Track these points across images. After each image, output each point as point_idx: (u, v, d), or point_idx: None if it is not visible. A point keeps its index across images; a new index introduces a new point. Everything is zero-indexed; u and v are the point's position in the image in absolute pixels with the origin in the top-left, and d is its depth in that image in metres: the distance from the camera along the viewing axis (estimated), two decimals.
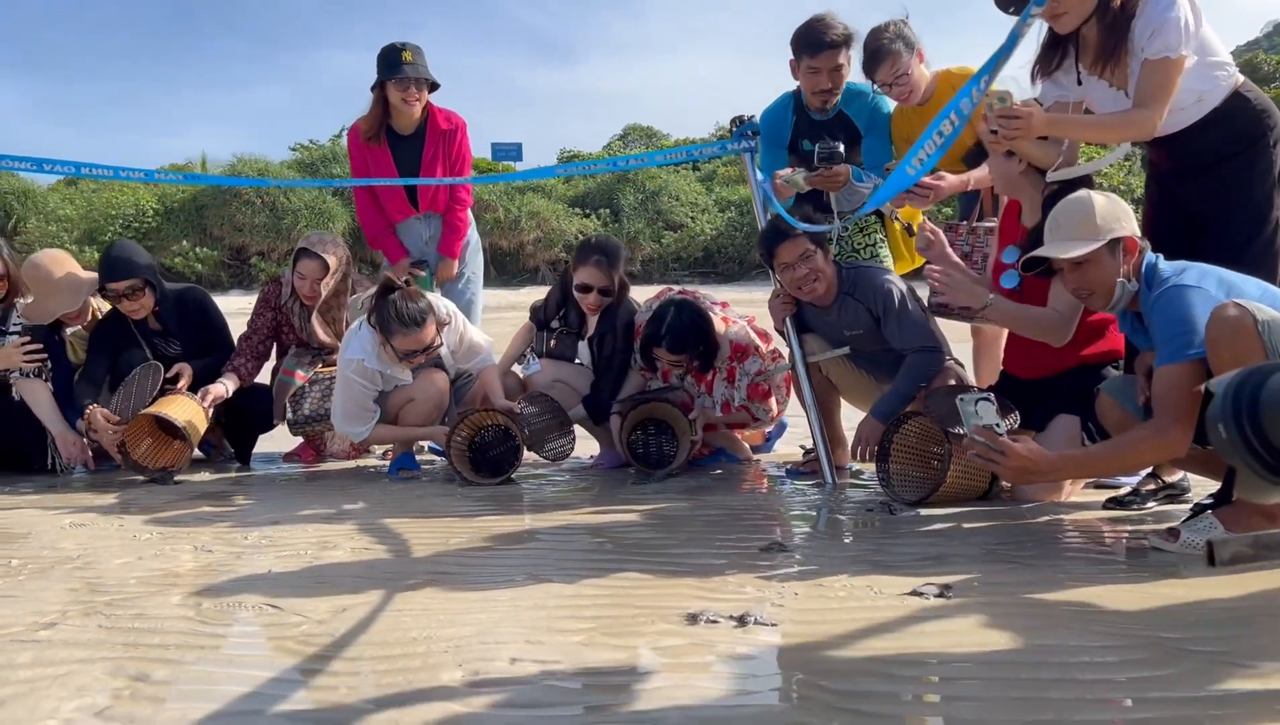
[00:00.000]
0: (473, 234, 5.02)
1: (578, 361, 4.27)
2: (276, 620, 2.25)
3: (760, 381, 4.06)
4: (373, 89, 4.64)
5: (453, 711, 1.70)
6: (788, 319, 3.86)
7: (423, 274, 4.68)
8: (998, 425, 2.68)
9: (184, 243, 24.59)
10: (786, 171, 3.90)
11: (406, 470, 4.23)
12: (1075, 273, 2.81)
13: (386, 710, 1.72)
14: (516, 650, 1.99)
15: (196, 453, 4.30)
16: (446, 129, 4.74)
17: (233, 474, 4.36)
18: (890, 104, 4.08)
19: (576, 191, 28.04)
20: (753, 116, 3.95)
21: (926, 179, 3.43)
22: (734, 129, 3.96)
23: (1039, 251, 2.82)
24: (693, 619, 2.15)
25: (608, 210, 27.23)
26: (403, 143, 4.72)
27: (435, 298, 4.12)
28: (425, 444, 4.57)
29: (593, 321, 4.22)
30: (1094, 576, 2.41)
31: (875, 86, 3.93)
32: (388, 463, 4.39)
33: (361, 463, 4.64)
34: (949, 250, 3.42)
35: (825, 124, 4.13)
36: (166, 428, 4.19)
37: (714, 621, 2.13)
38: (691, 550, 2.78)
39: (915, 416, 3.42)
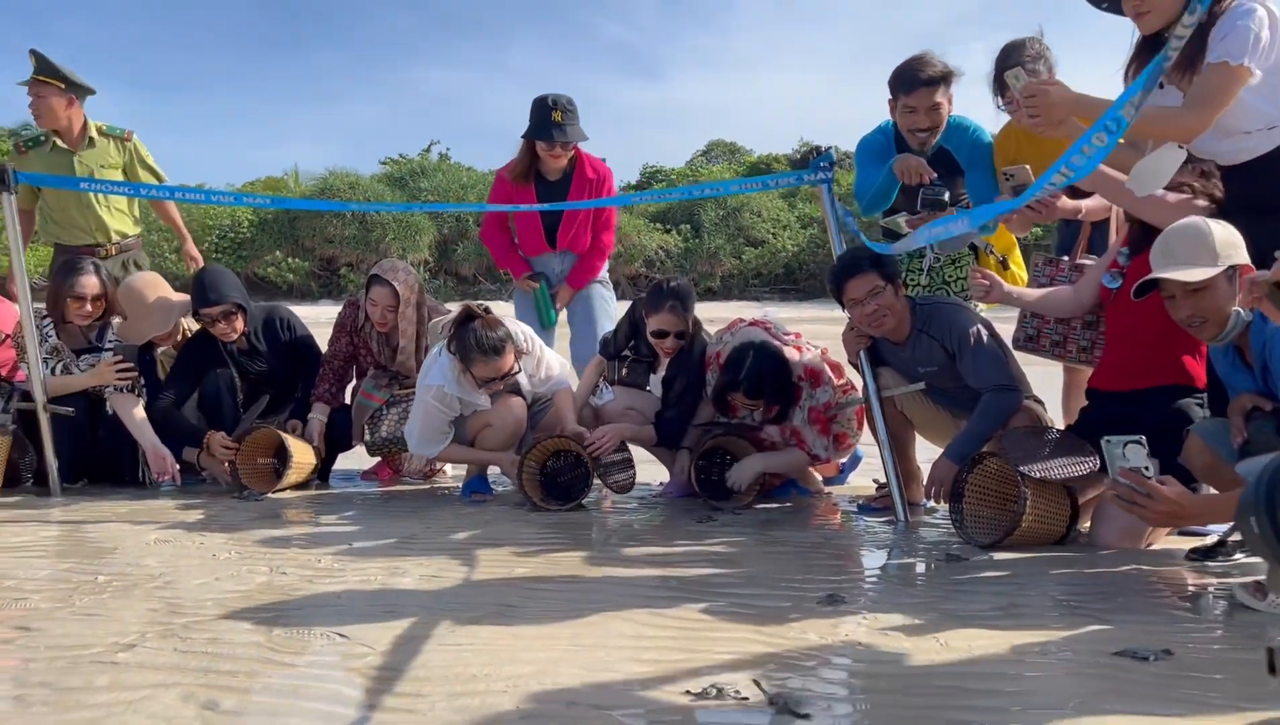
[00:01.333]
0: (604, 279, 5.15)
1: (649, 389, 4.29)
2: (344, 650, 2.29)
3: (828, 413, 4.01)
4: (523, 137, 4.75)
5: None
6: (862, 352, 3.81)
7: (536, 285, 4.83)
8: (1146, 468, 2.60)
9: (276, 253, 25.33)
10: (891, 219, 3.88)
11: (479, 493, 4.29)
12: (1190, 300, 2.71)
13: None
14: (574, 694, 2.00)
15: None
16: (592, 178, 4.83)
17: (313, 491, 4.47)
18: (989, 135, 4.01)
19: (657, 207, 28.14)
20: (830, 148, 3.92)
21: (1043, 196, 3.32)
22: (810, 160, 3.93)
23: (1154, 275, 2.74)
24: (752, 665, 2.14)
25: (688, 226, 27.26)
26: (548, 186, 4.81)
27: (514, 325, 4.18)
28: None
29: (665, 360, 4.23)
30: (1175, 636, 2.32)
31: (1002, 104, 3.85)
32: (461, 483, 4.45)
33: (435, 483, 4.72)
34: (1007, 289, 3.39)
35: (925, 159, 4.08)
36: (279, 453, 4.39)
37: (774, 672, 2.11)
38: (756, 591, 2.76)
39: (991, 457, 3.35)
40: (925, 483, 3.66)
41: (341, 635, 2.39)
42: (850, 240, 3.88)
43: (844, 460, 4.48)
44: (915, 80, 3.85)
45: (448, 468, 5.01)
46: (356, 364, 4.73)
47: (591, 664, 2.18)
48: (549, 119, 4.60)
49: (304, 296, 24.29)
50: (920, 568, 3.12)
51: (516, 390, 4.26)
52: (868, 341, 3.81)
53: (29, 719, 1.93)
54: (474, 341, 3.90)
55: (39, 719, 1.92)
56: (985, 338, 3.59)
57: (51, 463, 4.29)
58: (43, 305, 4.54)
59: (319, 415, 4.50)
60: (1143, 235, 3.19)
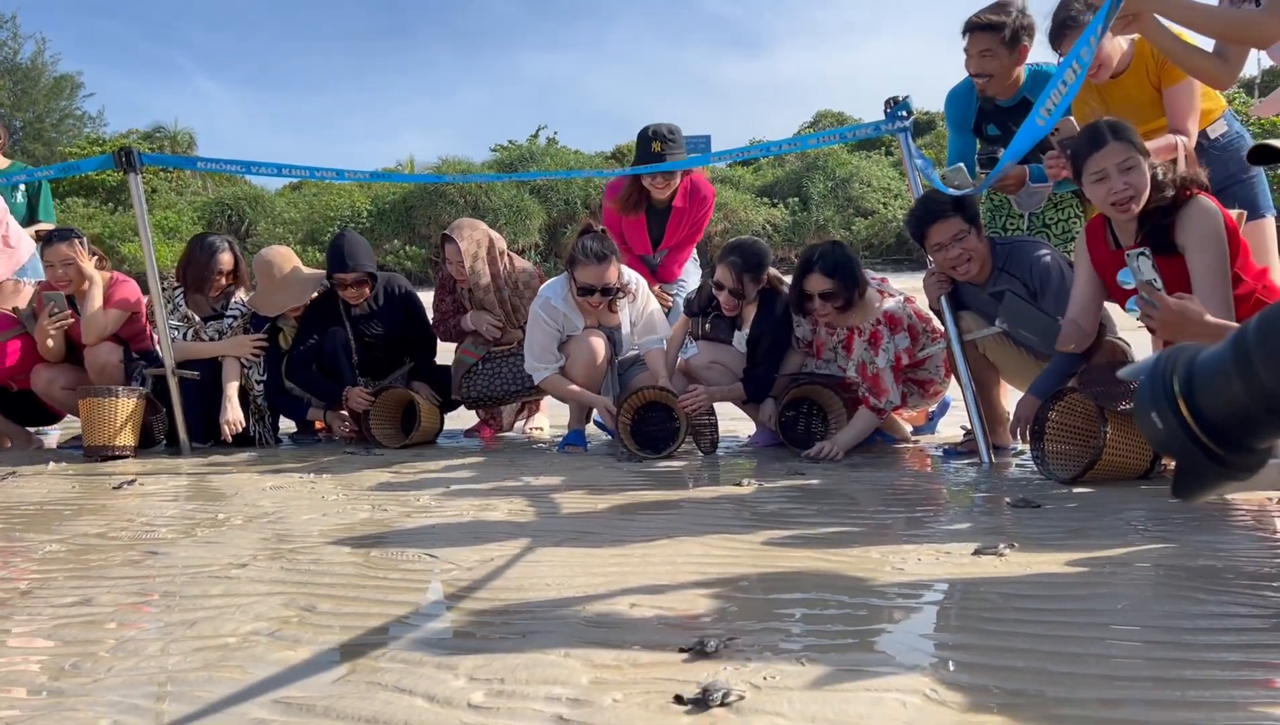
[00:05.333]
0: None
1: (732, 344, 4.37)
2: (431, 567, 2.48)
3: (912, 358, 4.01)
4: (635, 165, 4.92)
5: (567, 640, 1.85)
6: (943, 297, 3.82)
7: (668, 303, 5.00)
8: (1154, 280, 2.74)
9: (395, 241, 26.18)
10: (954, 171, 3.88)
11: (574, 447, 4.45)
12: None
13: (509, 639, 1.89)
14: (638, 599, 2.13)
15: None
16: (696, 200, 4.98)
17: (416, 447, 4.71)
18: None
19: (764, 181, 27.97)
20: (907, 97, 3.92)
21: None
22: (888, 110, 3.95)
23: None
24: (817, 584, 2.22)
25: (796, 198, 27.02)
26: (655, 216, 4.98)
27: (630, 272, 4.43)
28: (593, 420, 4.78)
29: (749, 317, 4.30)
30: (1248, 553, 2.31)
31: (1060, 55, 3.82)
32: (558, 441, 4.63)
33: (532, 439, 4.91)
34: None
35: (1009, 109, 4.06)
36: (407, 412, 4.75)
37: (838, 591, 2.19)
38: (830, 521, 2.84)
39: (1071, 393, 3.33)
40: (1010, 422, 3.66)
41: (431, 556, 2.58)
42: (929, 189, 3.89)
43: (932, 408, 4.49)
44: (968, 24, 3.87)
45: (544, 423, 5.22)
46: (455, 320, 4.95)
47: (658, 576, 2.30)
48: (649, 151, 4.75)
49: (421, 282, 25.03)
50: (996, 501, 3.13)
51: (616, 335, 4.43)
52: (949, 286, 3.81)
53: (152, 617, 2.17)
54: (583, 246, 4.21)
55: (160, 617, 2.15)
56: (1065, 275, 3.56)
57: (181, 423, 4.64)
58: (170, 277, 4.92)
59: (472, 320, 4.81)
60: (1154, 231, 3.11)
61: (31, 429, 5.23)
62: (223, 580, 2.41)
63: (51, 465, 4.37)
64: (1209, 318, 2.68)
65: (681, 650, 1.80)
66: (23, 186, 5.69)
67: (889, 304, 4.06)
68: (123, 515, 3.26)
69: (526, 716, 1.54)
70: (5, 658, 1.92)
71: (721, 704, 1.55)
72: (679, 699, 1.56)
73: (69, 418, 5.18)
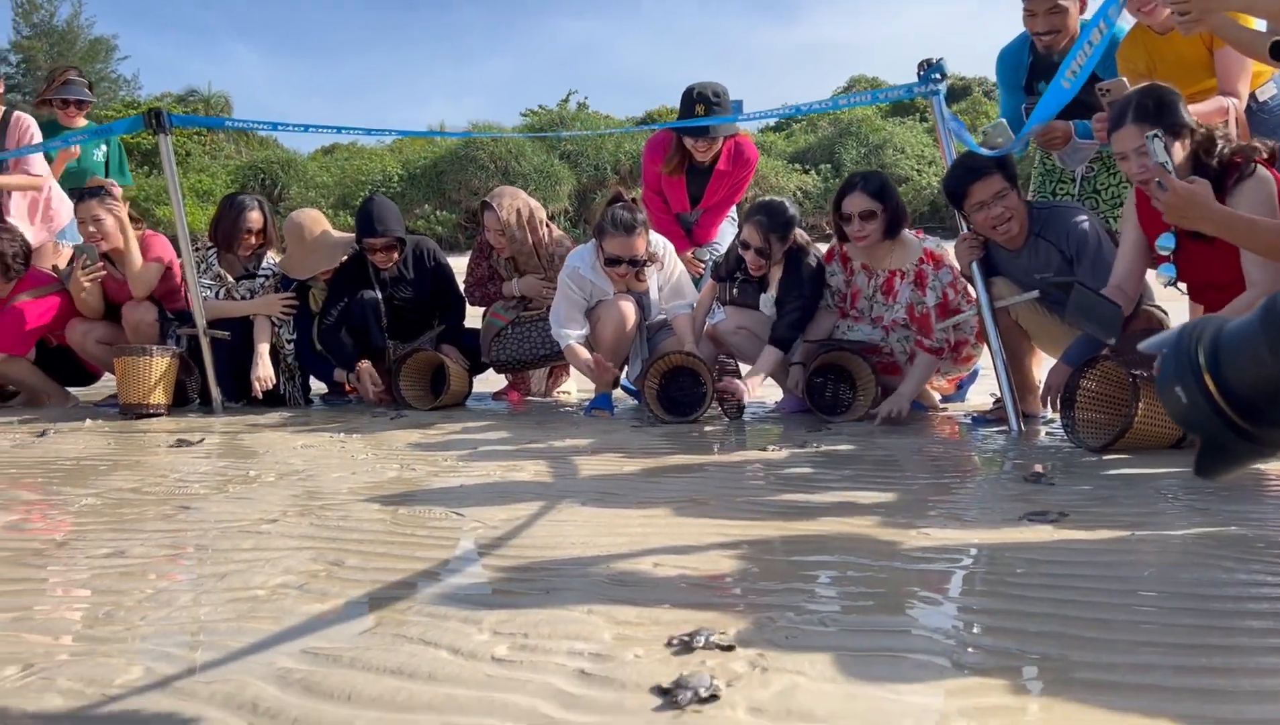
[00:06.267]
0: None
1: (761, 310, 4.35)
2: (457, 525, 2.50)
3: (951, 304, 3.97)
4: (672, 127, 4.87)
5: (590, 597, 1.86)
6: (974, 263, 3.78)
7: (702, 268, 4.95)
8: (1165, 163, 2.71)
9: (425, 206, 26.22)
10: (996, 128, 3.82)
11: (600, 410, 4.46)
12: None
13: (533, 595, 1.91)
14: (661, 558, 2.14)
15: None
16: (740, 162, 4.92)
17: (444, 409, 4.74)
18: (1123, 31, 3.87)
19: (796, 147, 27.73)
20: (941, 60, 3.86)
21: None
22: (921, 73, 3.89)
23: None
24: (840, 548, 2.22)
25: (828, 165, 26.76)
26: (696, 173, 4.91)
27: (657, 237, 4.41)
28: (620, 385, 4.79)
29: (775, 279, 4.27)
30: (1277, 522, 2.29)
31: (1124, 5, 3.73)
32: (585, 405, 4.64)
33: (561, 400, 4.93)
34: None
35: (1054, 65, 3.98)
36: (437, 375, 4.78)
37: (861, 556, 2.19)
38: (856, 487, 2.84)
39: (1103, 360, 3.29)
40: (1041, 390, 3.62)
41: (458, 514, 2.60)
42: (961, 150, 3.83)
43: (963, 375, 4.45)
44: None
45: (572, 388, 5.23)
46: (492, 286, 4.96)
47: (682, 537, 2.31)
48: (692, 113, 4.69)
49: (452, 248, 25.06)
50: (1025, 468, 3.11)
51: (644, 300, 4.42)
52: (981, 251, 3.77)
53: (182, 569, 2.21)
54: (612, 217, 4.20)
55: (191, 569, 2.19)
56: (1104, 242, 3.51)
57: (213, 383, 4.70)
58: (202, 236, 4.97)
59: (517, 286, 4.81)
60: None
61: (72, 390, 5.31)
62: (253, 535, 2.45)
63: (88, 422, 4.44)
64: (1217, 205, 2.66)
65: (704, 609, 1.81)
66: (103, 146, 5.74)
67: (928, 241, 4.04)
68: (156, 471, 3.31)
69: (549, 670, 1.56)
70: (41, 606, 1.97)
71: (744, 662, 1.55)
72: (685, 644, 1.59)
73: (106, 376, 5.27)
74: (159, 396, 4.58)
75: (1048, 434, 3.64)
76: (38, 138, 5.48)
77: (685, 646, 1.60)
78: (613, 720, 1.39)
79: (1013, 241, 3.67)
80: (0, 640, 1.77)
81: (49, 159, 5.55)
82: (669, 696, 1.43)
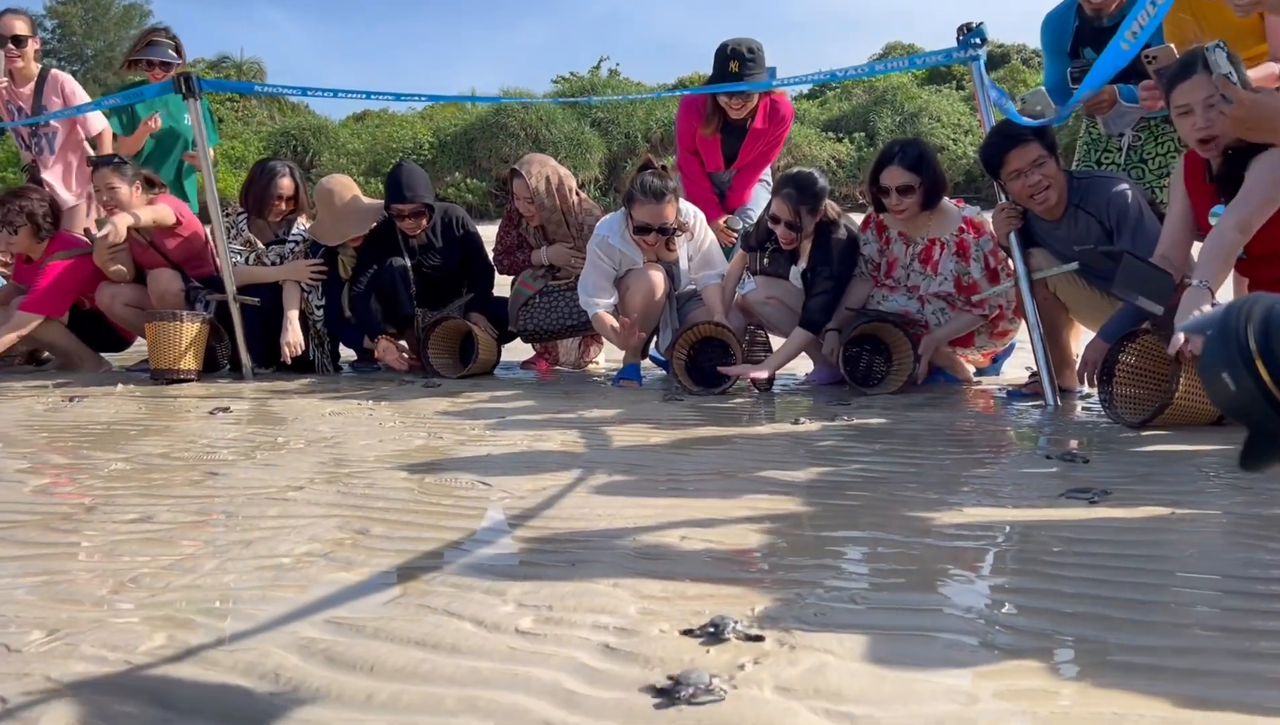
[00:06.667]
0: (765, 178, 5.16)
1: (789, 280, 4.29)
2: (485, 495, 2.49)
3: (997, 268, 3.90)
4: (709, 82, 4.78)
5: (616, 570, 1.84)
6: (1012, 234, 3.69)
7: (734, 236, 4.85)
8: (1230, 74, 2.60)
9: (456, 174, 26.19)
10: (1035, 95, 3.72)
11: (629, 381, 4.43)
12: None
13: (559, 567, 1.89)
14: (688, 531, 2.11)
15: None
16: (776, 120, 4.83)
17: (473, 378, 4.73)
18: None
19: (830, 115, 27.38)
20: (980, 24, 3.75)
21: None
22: (961, 37, 3.79)
23: None
24: (870, 522, 2.19)
25: (862, 134, 26.41)
26: (730, 131, 4.83)
27: (687, 205, 4.36)
28: (649, 356, 4.75)
29: (806, 251, 4.20)
30: None
31: None
32: (612, 375, 4.61)
33: (588, 373, 4.91)
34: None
35: (1110, 29, 3.87)
36: (465, 343, 4.76)
37: (891, 530, 2.15)
38: (886, 460, 2.79)
39: (1143, 334, 3.21)
40: (1078, 365, 3.55)
41: (484, 483, 2.59)
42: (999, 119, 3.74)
43: (999, 350, 4.38)
44: None
45: (600, 358, 5.20)
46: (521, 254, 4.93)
47: (710, 510, 2.28)
48: (726, 69, 4.60)
49: (482, 216, 25.05)
50: (1057, 441, 3.05)
51: (674, 269, 4.38)
52: (1019, 221, 3.68)
53: (210, 534, 2.21)
54: (641, 184, 4.15)
55: (218, 536, 2.19)
56: (1145, 212, 3.42)
57: (244, 349, 4.71)
58: (233, 202, 4.96)
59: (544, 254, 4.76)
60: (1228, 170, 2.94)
61: (104, 355, 5.35)
62: (280, 502, 2.45)
63: (120, 387, 4.47)
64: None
65: (731, 583, 1.78)
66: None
67: (968, 210, 3.96)
68: (186, 437, 3.32)
69: (573, 644, 1.54)
70: (67, 571, 1.97)
71: (772, 639, 1.52)
72: (714, 632, 1.55)
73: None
74: (189, 362, 4.60)
75: (1084, 409, 3.57)
76: (81, 96, 5.49)
77: (715, 635, 1.56)
78: (635, 698, 1.36)
79: (1051, 212, 3.58)
80: (26, 605, 1.77)
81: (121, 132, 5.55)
82: (695, 672, 1.41)
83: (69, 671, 1.48)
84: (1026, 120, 3.54)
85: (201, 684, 1.43)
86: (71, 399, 4.13)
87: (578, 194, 4.77)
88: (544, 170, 4.64)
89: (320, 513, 2.34)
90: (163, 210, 4.77)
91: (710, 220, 4.61)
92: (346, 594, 1.80)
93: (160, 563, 1.99)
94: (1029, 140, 3.50)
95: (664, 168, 4.32)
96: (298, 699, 1.38)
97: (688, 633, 1.55)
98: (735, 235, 4.79)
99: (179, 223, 4.87)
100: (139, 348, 5.31)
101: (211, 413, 3.78)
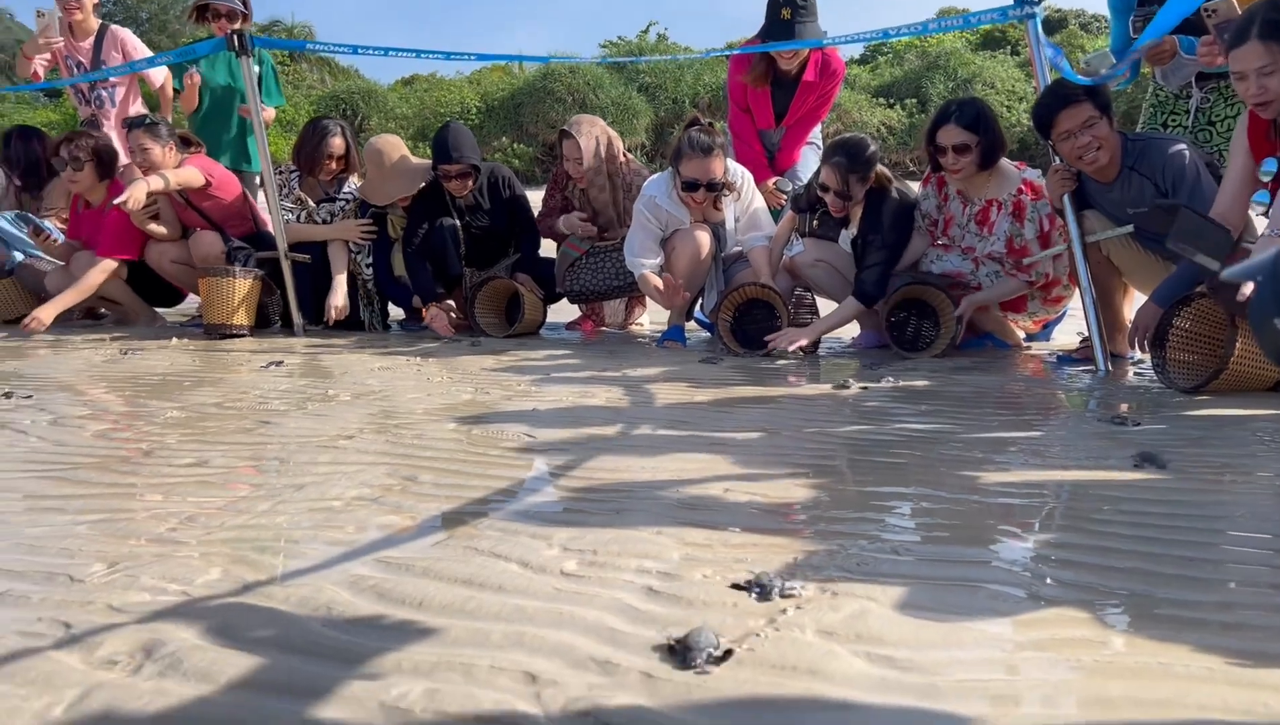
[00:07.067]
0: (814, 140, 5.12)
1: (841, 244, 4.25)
2: (527, 446, 2.51)
3: (1049, 233, 3.85)
4: (758, 34, 4.73)
5: (659, 519, 1.86)
6: (1065, 196, 3.63)
7: (783, 199, 4.83)
8: None
9: (503, 139, 26.22)
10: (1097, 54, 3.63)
11: (673, 342, 4.43)
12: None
13: (603, 515, 1.91)
14: (730, 484, 2.12)
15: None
16: (827, 74, 4.79)
17: (519, 337, 4.77)
18: None
19: (881, 81, 26.98)
20: None
21: None
22: None
23: None
24: (911, 478, 2.18)
25: (914, 100, 26.00)
26: (781, 86, 4.80)
27: (736, 166, 4.34)
28: (694, 317, 4.75)
29: (856, 217, 4.15)
30: None
31: None
32: (657, 336, 4.62)
33: (635, 331, 4.92)
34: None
35: None
36: (512, 303, 4.80)
37: (930, 487, 2.15)
38: (930, 421, 2.78)
39: (1200, 298, 3.15)
40: (1130, 330, 3.49)
41: (529, 436, 2.61)
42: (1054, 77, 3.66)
43: (1052, 316, 4.31)
44: None
45: (644, 320, 5.21)
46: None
47: (753, 465, 2.29)
48: (778, 16, 4.54)
49: (528, 181, 25.10)
50: (1106, 406, 3.01)
51: (720, 231, 4.36)
52: (1073, 184, 3.61)
53: (263, 478, 2.26)
54: (689, 138, 4.15)
55: (271, 480, 2.24)
56: (1202, 174, 3.34)
57: (294, 305, 4.78)
58: (285, 161, 5.02)
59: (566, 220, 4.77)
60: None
61: (158, 310, 5.46)
62: (330, 450, 2.49)
63: (174, 340, 4.56)
64: None
65: (773, 534, 1.79)
66: (256, 67, 5.75)
67: (1029, 172, 3.90)
68: (238, 388, 3.39)
69: (617, 586, 1.56)
70: (127, 509, 2.03)
71: (814, 587, 1.53)
72: (757, 589, 1.53)
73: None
74: (242, 317, 4.68)
75: (1136, 374, 3.51)
76: (142, 51, 5.57)
77: (754, 571, 1.58)
78: (679, 636, 1.38)
79: (1103, 173, 3.51)
80: (88, 540, 1.83)
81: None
82: (737, 613, 1.42)
83: (130, 601, 1.53)
84: (1081, 79, 3.47)
85: (256, 615, 1.47)
86: (127, 352, 4.23)
87: (625, 156, 4.75)
88: (593, 130, 4.63)
89: (370, 460, 2.39)
90: (190, 172, 4.79)
91: (758, 182, 4.58)
92: (395, 535, 1.84)
93: (215, 504, 2.04)
94: (1081, 100, 3.42)
95: (710, 125, 4.29)
96: (349, 631, 1.41)
97: (735, 587, 1.55)
98: (784, 197, 4.75)
99: (208, 183, 4.89)
100: (191, 302, 5.42)
101: (266, 366, 3.85)
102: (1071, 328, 4.34)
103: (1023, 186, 3.86)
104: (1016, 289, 3.95)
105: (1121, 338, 3.75)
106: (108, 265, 4.87)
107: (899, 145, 24.37)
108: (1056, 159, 3.67)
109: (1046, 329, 4.43)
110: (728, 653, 1.30)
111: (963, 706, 1.18)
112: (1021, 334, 4.33)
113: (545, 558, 1.69)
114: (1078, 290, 3.77)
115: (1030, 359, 3.95)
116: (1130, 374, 3.53)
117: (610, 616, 1.45)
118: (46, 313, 4.76)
